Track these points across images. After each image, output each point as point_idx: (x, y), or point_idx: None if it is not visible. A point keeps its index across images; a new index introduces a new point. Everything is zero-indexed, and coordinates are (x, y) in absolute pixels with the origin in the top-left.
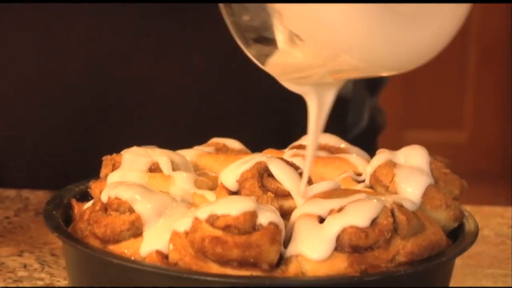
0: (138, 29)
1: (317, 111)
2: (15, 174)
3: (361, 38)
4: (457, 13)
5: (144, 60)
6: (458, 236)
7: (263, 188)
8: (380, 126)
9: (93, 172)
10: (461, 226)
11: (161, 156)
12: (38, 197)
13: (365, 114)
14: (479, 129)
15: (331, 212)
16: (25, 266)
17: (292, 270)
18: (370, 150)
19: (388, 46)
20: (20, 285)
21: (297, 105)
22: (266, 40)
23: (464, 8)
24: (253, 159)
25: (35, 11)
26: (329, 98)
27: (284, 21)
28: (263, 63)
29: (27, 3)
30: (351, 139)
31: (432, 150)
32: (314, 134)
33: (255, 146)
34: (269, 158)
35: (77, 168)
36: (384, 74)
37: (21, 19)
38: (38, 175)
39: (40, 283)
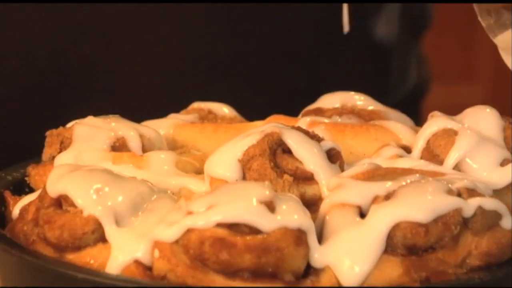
0: None
1: None
2: None
3: None
4: None
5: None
6: None
7: (277, 169)
8: (428, 82)
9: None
10: None
11: (127, 129)
12: None
13: (412, 68)
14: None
15: (375, 200)
16: None
17: (325, 281)
18: (414, 117)
19: None
20: None
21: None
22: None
23: None
24: (259, 130)
25: None
26: None
27: None
28: (493, 36)
29: None
30: (393, 105)
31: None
32: None
33: (250, 113)
34: (282, 127)
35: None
36: None
37: None
38: None
39: None
